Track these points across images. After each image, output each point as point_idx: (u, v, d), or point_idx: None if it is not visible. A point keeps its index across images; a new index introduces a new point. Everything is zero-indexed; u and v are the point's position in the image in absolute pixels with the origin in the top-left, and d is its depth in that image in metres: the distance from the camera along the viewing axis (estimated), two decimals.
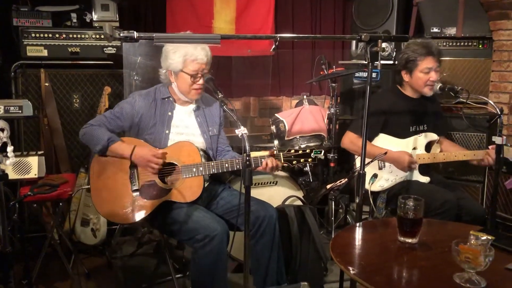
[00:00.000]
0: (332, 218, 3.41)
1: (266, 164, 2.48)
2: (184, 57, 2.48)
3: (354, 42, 4.10)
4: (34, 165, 2.46)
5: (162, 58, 2.58)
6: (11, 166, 2.37)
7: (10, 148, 1.31)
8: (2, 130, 1.27)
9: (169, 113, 2.60)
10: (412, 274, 1.64)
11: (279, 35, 1.80)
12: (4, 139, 1.27)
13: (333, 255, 1.75)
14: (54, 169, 3.34)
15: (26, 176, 2.45)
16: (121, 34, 1.51)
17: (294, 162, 2.55)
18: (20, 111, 2.36)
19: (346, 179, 2.32)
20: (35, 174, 2.50)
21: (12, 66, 3.31)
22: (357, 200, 2.05)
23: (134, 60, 3.24)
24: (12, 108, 2.38)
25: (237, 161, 2.46)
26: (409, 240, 1.84)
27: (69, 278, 2.87)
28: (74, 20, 3.44)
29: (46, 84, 3.36)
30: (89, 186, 2.87)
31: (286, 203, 2.99)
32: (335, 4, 4.80)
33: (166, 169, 2.49)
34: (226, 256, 2.34)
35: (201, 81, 2.52)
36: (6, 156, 1.31)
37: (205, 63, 2.51)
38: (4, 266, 1.31)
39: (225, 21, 4.28)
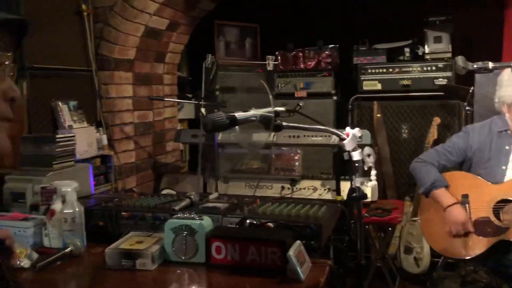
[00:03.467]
0: None
1: None
2: None
3: None
4: (368, 190, 2.69)
5: (497, 86, 2.45)
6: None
7: (373, 172, 1.49)
8: (369, 155, 1.46)
9: (506, 147, 2.41)
10: None
11: None
12: (370, 164, 1.46)
13: None
14: (382, 194, 3.55)
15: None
16: (475, 66, 1.51)
17: None
18: (360, 139, 2.62)
19: None
20: (369, 198, 2.72)
21: (350, 99, 3.74)
22: None
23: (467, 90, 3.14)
24: None
25: None
26: None
27: None
28: (407, 55, 3.62)
29: (378, 115, 3.64)
30: (416, 218, 2.94)
31: None
32: None
33: (502, 206, 2.30)
34: None
35: None
36: (369, 179, 1.49)
37: None
38: (359, 277, 1.49)
39: None
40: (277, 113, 1.28)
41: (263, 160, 3.46)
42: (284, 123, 1.35)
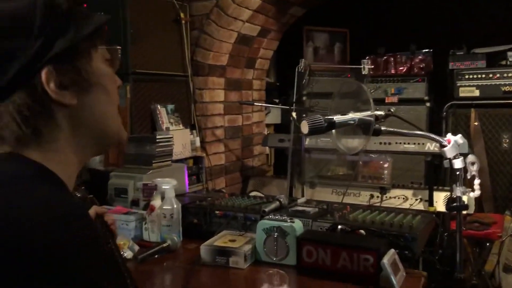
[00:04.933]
0: None
1: None
2: None
3: None
4: (466, 201, 2.54)
5: None
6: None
7: (477, 181, 1.41)
8: (473, 163, 1.39)
9: None
10: None
11: None
12: (473, 172, 1.38)
13: None
14: (477, 207, 3.34)
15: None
16: None
17: None
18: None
19: None
20: (466, 211, 2.57)
21: (444, 106, 3.56)
22: None
23: None
24: None
25: None
26: None
27: None
28: (510, 59, 3.38)
29: (475, 123, 3.43)
30: None
31: None
32: None
33: None
34: None
35: None
36: (473, 190, 1.42)
37: None
38: None
39: None
40: (376, 117, 1.26)
41: (350, 166, 3.40)
42: (382, 128, 1.33)
